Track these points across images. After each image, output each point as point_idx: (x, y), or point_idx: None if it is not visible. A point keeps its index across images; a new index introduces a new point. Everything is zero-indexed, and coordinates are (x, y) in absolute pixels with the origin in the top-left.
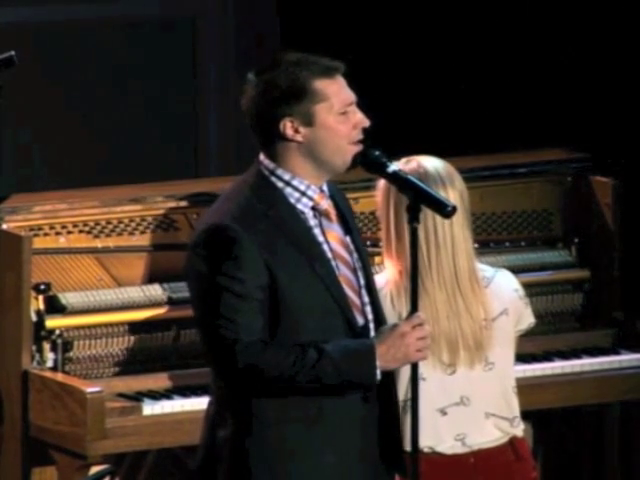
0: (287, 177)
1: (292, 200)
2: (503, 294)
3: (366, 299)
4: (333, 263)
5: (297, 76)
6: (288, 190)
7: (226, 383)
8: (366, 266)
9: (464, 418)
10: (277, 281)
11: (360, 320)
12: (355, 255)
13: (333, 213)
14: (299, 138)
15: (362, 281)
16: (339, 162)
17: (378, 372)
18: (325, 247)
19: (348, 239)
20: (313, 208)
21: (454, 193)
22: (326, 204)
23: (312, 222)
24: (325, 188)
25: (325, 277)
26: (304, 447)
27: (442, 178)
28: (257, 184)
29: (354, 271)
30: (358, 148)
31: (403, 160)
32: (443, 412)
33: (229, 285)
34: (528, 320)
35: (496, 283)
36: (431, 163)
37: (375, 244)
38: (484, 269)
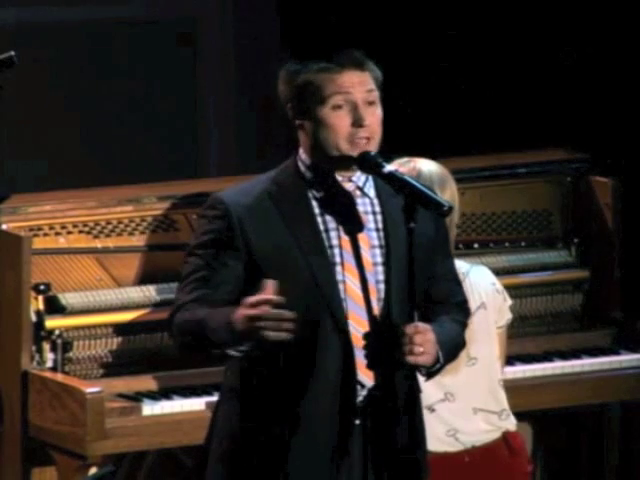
0: (309, 162)
1: (307, 185)
2: (480, 288)
3: (382, 295)
4: (337, 251)
5: (299, 69)
6: (308, 175)
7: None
8: (391, 263)
9: (452, 414)
10: (261, 260)
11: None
12: (382, 250)
13: (358, 203)
14: (302, 126)
15: (381, 276)
16: (325, 154)
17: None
18: (332, 234)
19: (380, 234)
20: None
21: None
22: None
23: (324, 208)
24: (356, 178)
25: (314, 263)
26: (273, 443)
27: (432, 182)
28: (285, 166)
29: (372, 264)
30: (360, 146)
31: (403, 160)
32: (431, 409)
33: (201, 254)
34: (507, 316)
35: (472, 278)
36: (427, 166)
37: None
38: (459, 265)
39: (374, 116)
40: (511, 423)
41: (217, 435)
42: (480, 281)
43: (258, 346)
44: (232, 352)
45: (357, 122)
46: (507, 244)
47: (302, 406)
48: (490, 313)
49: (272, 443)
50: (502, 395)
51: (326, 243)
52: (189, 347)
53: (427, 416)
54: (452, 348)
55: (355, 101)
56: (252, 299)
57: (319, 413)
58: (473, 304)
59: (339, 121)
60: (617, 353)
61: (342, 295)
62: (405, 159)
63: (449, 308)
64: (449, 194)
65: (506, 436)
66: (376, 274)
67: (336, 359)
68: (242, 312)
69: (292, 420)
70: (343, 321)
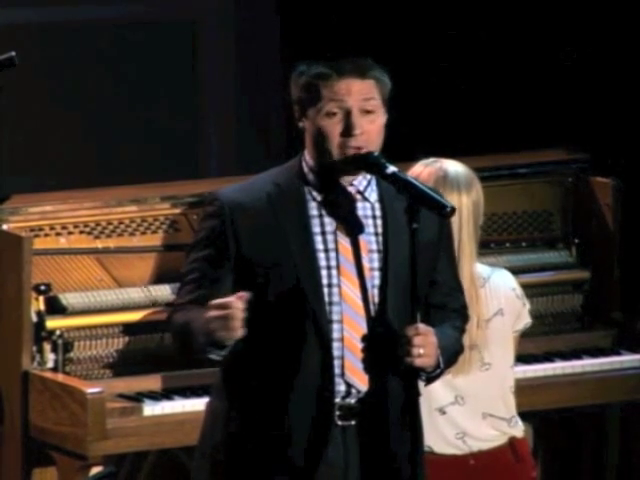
0: (312, 164)
1: (308, 186)
2: (499, 294)
3: (376, 299)
4: (333, 254)
5: (304, 70)
6: (310, 177)
7: None
8: (388, 268)
9: (461, 417)
10: (249, 259)
11: (335, 314)
12: (380, 255)
13: (358, 208)
14: (303, 126)
15: (376, 281)
16: (327, 160)
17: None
18: (329, 237)
19: (379, 239)
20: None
21: (468, 200)
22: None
23: (323, 211)
24: (357, 182)
25: (300, 265)
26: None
27: (459, 183)
28: (289, 165)
29: (368, 269)
30: (349, 154)
31: (429, 160)
32: (442, 411)
33: (196, 252)
34: (525, 320)
35: (492, 283)
36: (453, 166)
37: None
38: (481, 270)
39: (371, 125)
40: (519, 430)
41: (203, 432)
42: (500, 287)
43: (234, 348)
44: (213, 356)
45: (346, 131)
46: (507, 244)
47: (283, 406)
48: (507, 319)
49: (253, 442)
50: (512, 402)
51: (321, 246)
52: (182, 352)
53: (437, 418)
54: (452, 354)
55: (349, 109)
56: (211, 302)
57: (298, 414)
58: (491, 310)
59: (332, 128)
60: (617, 353)
61: (336, 299)
62: (431, 159)
63: (448, 314)
64: (475, 195)
65: (513, 442)
66: (372, 279)
67: (316, 363)
68: (204, 315)
69: (272, 420)
70: (325, 326)
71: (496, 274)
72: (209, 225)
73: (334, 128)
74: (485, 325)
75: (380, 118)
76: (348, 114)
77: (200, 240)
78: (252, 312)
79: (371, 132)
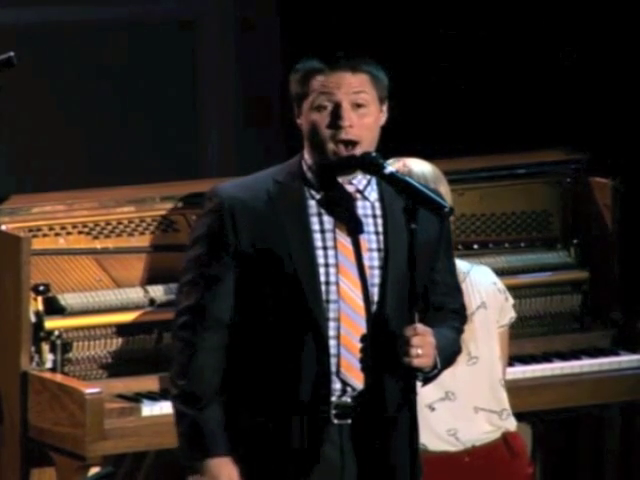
0: (311, 162)
1: (307, 185)
2: (480, 288)
3: (375, 298)
4: (331, 252)
5: (300, 67)
6: (309, 175)
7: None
8: (389, 267)
9: (452, 413)
10: (249, 256)
11: (332, 312)
12: (380, 254)
13: (357, 207)
14: (301, 123)
15: (376, 280)
16: (318, 156)
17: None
18: (328, 235)
19: (380, 237)
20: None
21: None
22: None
23: (322, 209)
24: (356, 181)
25: (298, 263)
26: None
27: (426, 180)
28: (289, 164)
29: (368, 267)
30: (341, 149)
31: (390, 160)
32: (432, 408)
33: (196, 250)
34: (509, 315)
35: (472, 277)
36: (419, 166)
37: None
38: (460, 265)
39: (362, 119)
40: (511, 423)
41: None
42: (481, 280)
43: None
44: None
45: (333, 123)
46: (506, 245)
47: (280, 404)
48: (491, 312)
49: (252, 439)
50: (503, 395)
51: (320, 244)
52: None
53: (427, 415)
54: (449, 355)
55: (338, 102)
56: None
57: (295, 412)
58: (474, 303)
59: (322, 121)
60: (616, 354)
61: (334, 297)
62: (392, 160)
63: (447, 314)
64: (443, 190)
65: (506, 437)
66: (372, 277)
67: (313, 360)
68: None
69: (270, 417)
70: (322, 323)
71: (475, 269)
72: (208, 222)
73: (324, 121)
74: (470, 319)
75: (373, 113)
76: (337, 107)
77: (199, 237)
78: (250, 308)
79: (362, 126)
